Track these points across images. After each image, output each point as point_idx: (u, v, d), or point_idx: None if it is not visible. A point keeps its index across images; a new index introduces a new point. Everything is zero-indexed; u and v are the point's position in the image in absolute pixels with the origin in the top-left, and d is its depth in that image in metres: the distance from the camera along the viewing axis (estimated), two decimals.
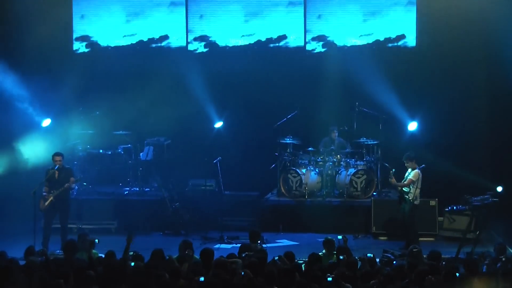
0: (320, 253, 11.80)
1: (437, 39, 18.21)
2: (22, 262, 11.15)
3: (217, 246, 15.29)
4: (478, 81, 18.08)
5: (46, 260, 11.00)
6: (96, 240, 11.90)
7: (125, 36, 19.36)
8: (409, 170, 15.16)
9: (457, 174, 16.99)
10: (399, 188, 15.18)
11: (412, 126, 17.81)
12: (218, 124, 18.33)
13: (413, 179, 14.99)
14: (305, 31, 19.04)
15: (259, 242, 12.77)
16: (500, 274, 9.75)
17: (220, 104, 18.50)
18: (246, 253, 11.26)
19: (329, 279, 9.89)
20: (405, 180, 15.12)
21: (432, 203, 16.26)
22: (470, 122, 18.10)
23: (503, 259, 11.28)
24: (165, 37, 19.37)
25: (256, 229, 13.70)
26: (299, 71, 18.80)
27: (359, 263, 10.92)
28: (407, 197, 15.01)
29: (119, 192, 17.66)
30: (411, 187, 15.00)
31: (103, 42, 19.36)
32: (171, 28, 19.33)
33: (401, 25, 18.69)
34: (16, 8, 18.23)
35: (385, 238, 16.26)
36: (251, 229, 13.35)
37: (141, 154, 18.14)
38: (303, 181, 17.21)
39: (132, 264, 10.54)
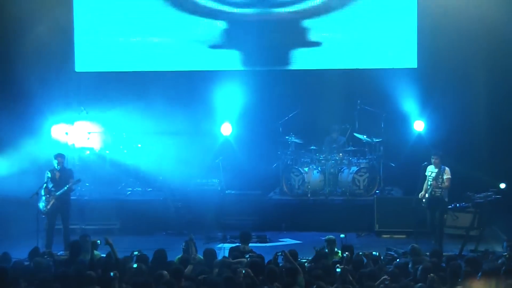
0: None
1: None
2: (25, 263, 11.18)
3: (220, 245, 15.27)
4: (481, 81, 18.02)
5: (54, 262, 11.03)
6: (98, 241, 11.89)
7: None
8: (433, 168, 14.76)
9: (460, 171, 16.93)
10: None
11: (419, 126, 17.68)
12: (227, 131, 18.28)
13: (450, 176, 14.73)
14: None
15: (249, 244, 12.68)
16: (502, 271, 9.71)
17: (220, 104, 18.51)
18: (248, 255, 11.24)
19: (338, 270, 9.87)
20: (440, 180, 14.65)
21: None
22: (473, 120, 18.03)
23: (507, 256, 11.23)
24: None
25: (248, 230, 13.43)
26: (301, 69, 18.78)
27: (365, 260, 10.89)
28: (440, 195, 14.71)
29: (122, 192, 17.65)
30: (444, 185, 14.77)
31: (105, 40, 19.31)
32: None
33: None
34: (15, 8, 18.16)
35: (388, 236, 16.22)
36: (242, 230, 13.09)
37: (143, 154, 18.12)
38: (306, 180, 17.18)
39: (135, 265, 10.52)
